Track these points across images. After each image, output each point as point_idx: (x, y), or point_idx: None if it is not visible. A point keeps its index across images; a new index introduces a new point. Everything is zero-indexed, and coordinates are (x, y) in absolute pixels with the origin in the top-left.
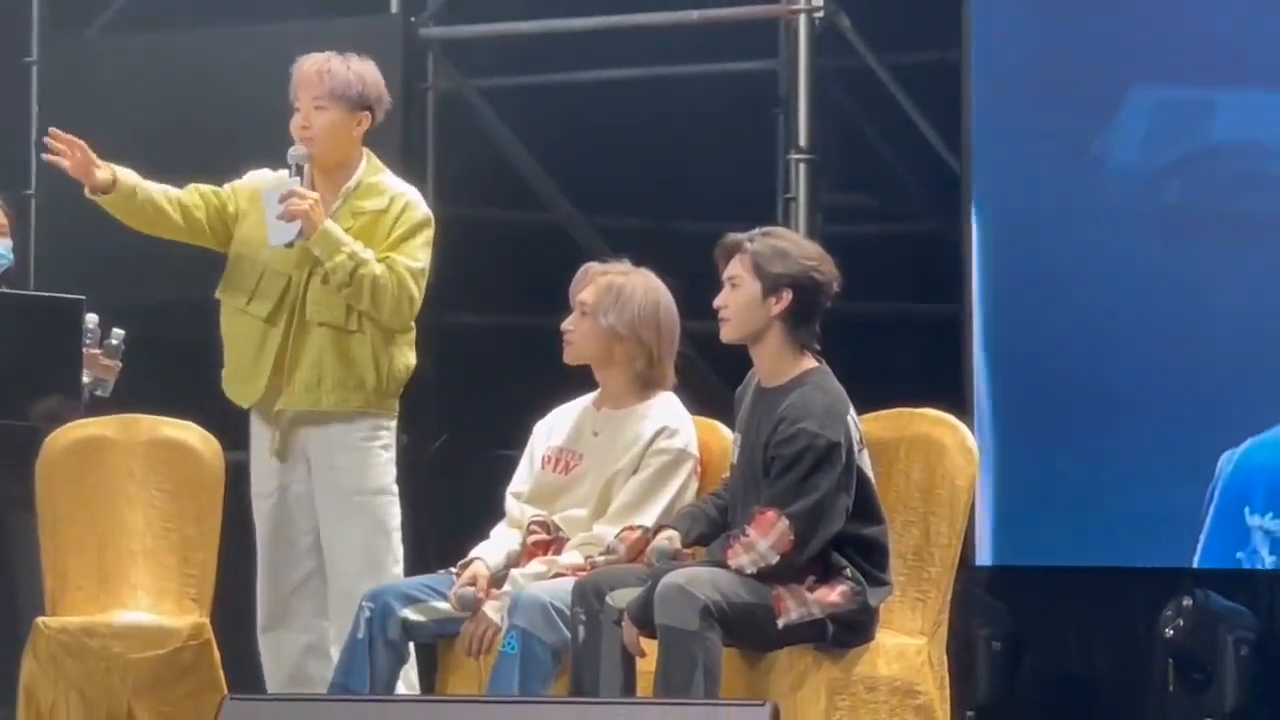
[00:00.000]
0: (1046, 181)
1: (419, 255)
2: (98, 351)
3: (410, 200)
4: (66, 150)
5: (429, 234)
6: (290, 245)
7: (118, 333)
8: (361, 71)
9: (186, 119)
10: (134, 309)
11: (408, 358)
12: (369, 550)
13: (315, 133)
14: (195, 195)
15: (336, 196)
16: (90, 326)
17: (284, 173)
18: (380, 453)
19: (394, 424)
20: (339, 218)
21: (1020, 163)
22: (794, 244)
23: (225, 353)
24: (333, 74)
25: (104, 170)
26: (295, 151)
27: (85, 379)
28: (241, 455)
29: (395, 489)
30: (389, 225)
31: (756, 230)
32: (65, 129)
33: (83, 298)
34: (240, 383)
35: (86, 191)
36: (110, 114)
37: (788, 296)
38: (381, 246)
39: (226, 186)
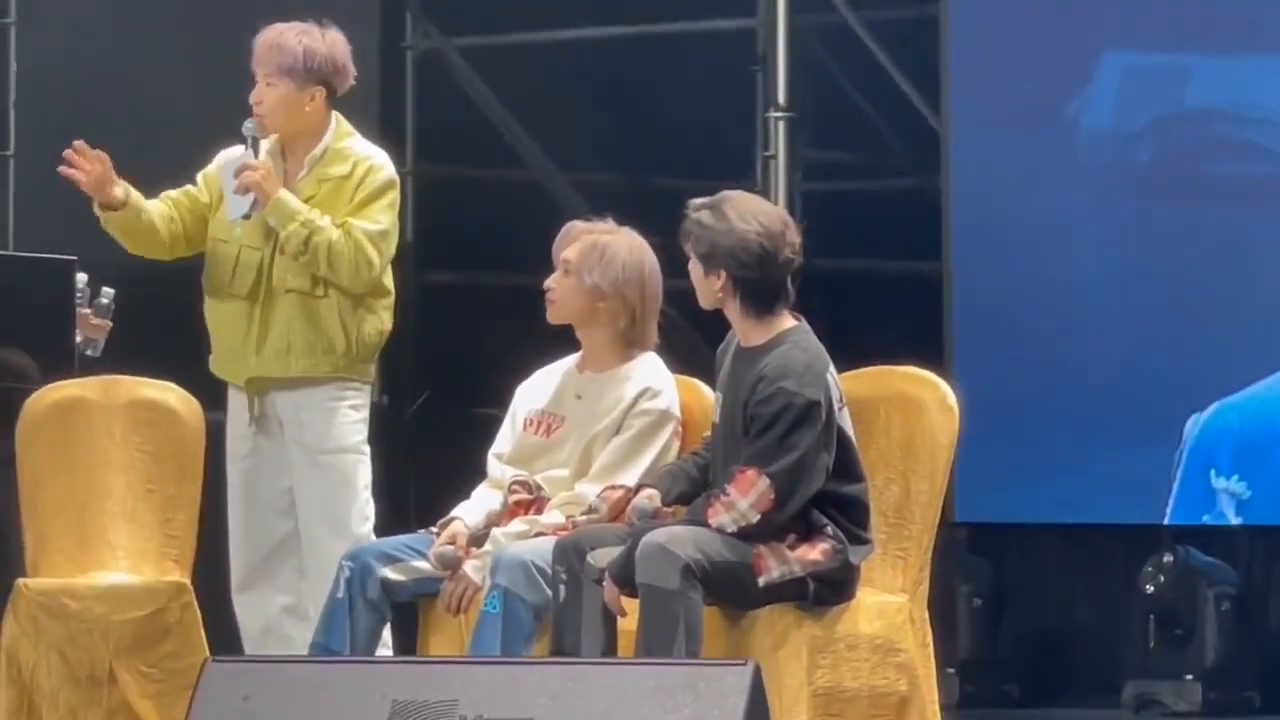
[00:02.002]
0: (1022, 141)
1: (380, 218)
2: (88, 311)
3: (375, 163)
4: (84, 164)
5: (393, 196)
6: (247, 217)
7: (107, 291)
8: (314, 46)
9: (165, 77)
10: (115, 268)
11: (381, 322)
12: (335, 509)
13: (265, 108)
14: (168, 206)
15: (302, 165)
16: (80, 286)
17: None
18: (348, 412)
19: (367, 388)
20: (304, 186)
21: (997, 122)
22: (737, 214)
23: (213, 338)
24: (282, 49)
25: (119, 187)
26: (248, 125)
27: (76, 338)
28: (223, 416)
29: (365, 449)
30: (352, 190)
31: (712, 198)
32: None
33: (75, 258)
34: (231, 362)
35: (95, 208)
36: (92, 73)
37: (724, 275)
38: (344, 211)
39: (199, 175)
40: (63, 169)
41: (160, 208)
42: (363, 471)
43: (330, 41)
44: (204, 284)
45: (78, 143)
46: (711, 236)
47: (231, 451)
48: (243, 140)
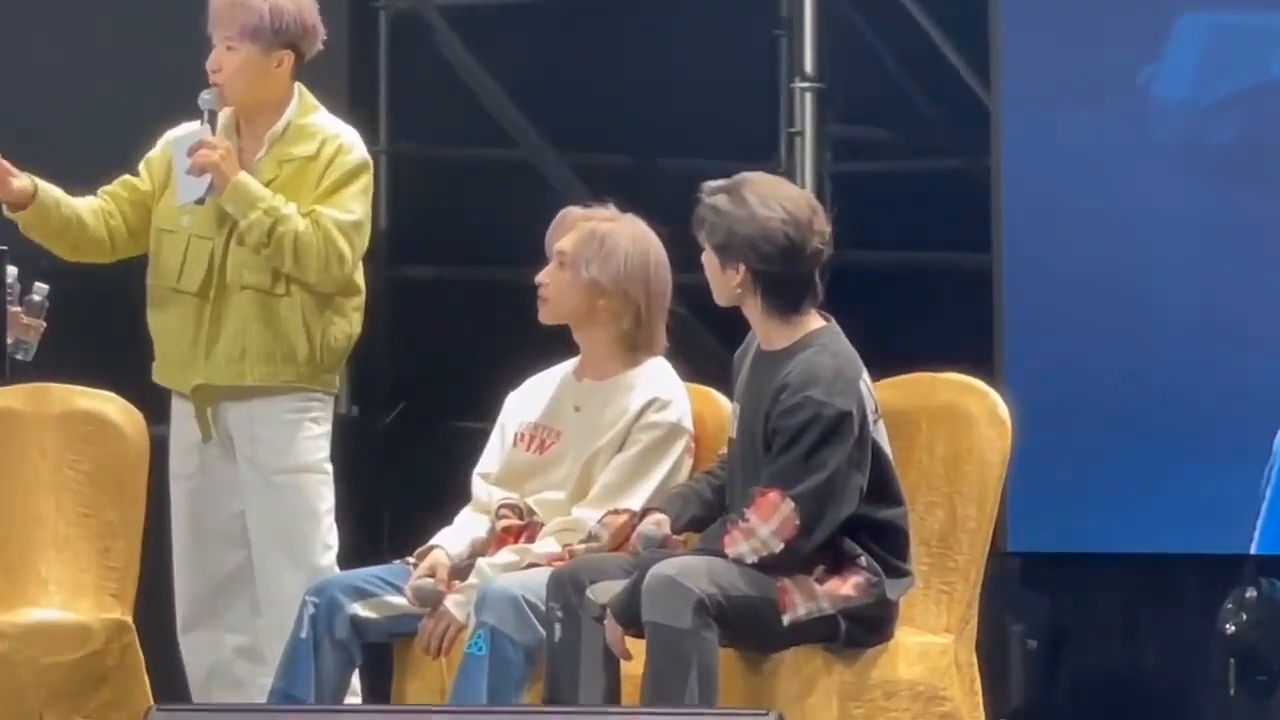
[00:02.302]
0: (1085, 117)
1: (352, 206)
2: (18, 309)
3: (344, 143)
4: None
5: (366, 181)
6: (201, 202)
7: (41, 288)
8: (280, 5)
9: (119, 59)
10: (49, 261)
11: (350, 325)
12: (293, 536)
13: (225, 76)
14: (105, 200)
15: (261, 144)
16: (10, 280)
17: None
18: (310, 426)
19: (330, 399)
20: (263, 167)
21: (1056, 95)
22: (758, 199)
23: (156, 342)
24: (246, 7)
25: (22, 179)
26: (206, 96)
27: (5, 340)
28: (167, 430)
29: (327, 468)
30: (319, 173)
31: (729, 180)
32: None
33: (4, 249)
34: (177, 368)
35: (4, 211)
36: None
37: (742, 269)
38: (310, 198)
39: (141, 163)
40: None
41: (94, 203)
42: (325, 493)
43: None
44: (148, 280)
45: None
46: (728, 224)
47: (175, 469)
48: (198, 115)
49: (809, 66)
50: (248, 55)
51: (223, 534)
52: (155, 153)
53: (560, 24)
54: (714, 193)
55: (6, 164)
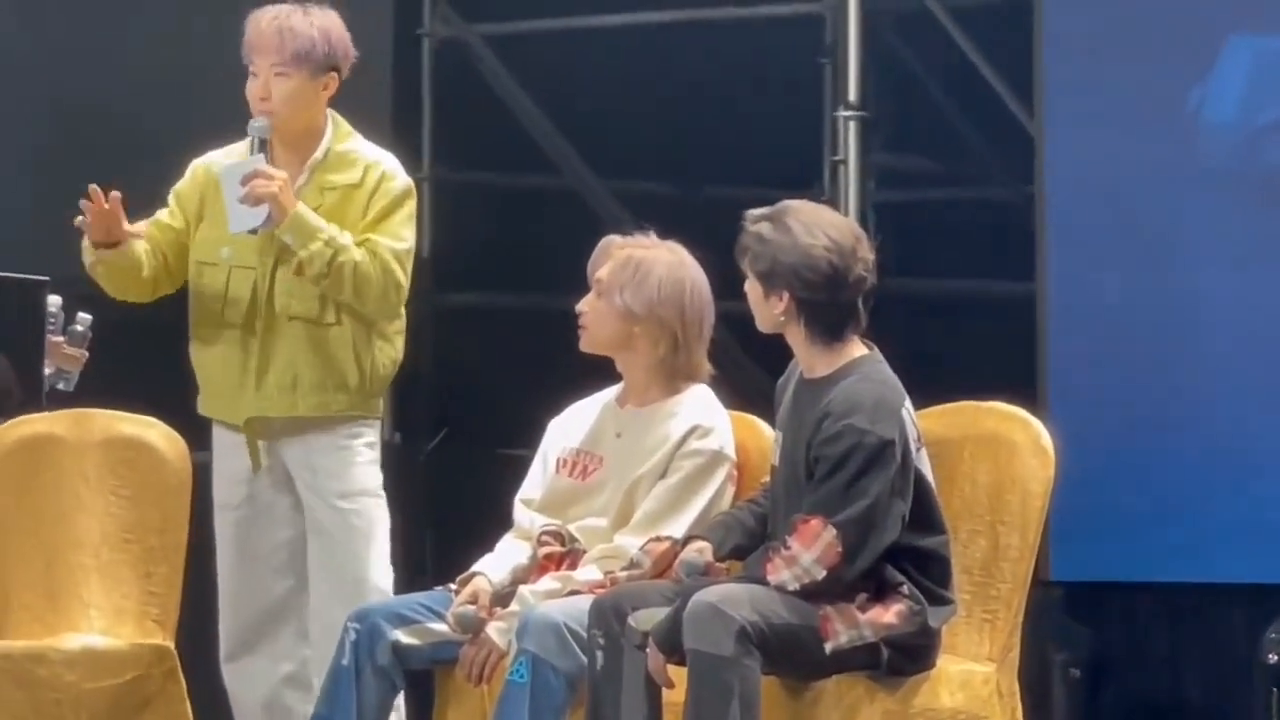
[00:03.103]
0: (1131, 142)
1: (403, 234)
2: (61, 339)
3: (387, 169)
4: (97, 206)
5: (411, 207)
6: (254, 233)
7: (84, 318)
8: (326, 26)
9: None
10: (94, 291)
11: (394, 351)
12: (352, 563)
13: (276, 104)
14: (145, 241)
15: (302, 170)
16: (53, 311)
17: (236, 146)
18: (364, 451)
19: (378, 425)
20: (306, 195)
21: (1101, 120)
22: (802, 227)
23: (201, 377)
24: (295, 34)
25: (126, 226)
26: (257, 124)
27: (46, 370)
28: (209, 456)
29: (382, 493)
30: (364, 200)
31: (772, 208)
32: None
33: (46, 279)
34: (226, 399)
35: (89, 245)
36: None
37: (786, 297)
38: (358, 226)
39: (171, 195)
40: (78, 219)
41: (144, 244)
42: (381, 518)
43: (333, 19)
44: (191, 314)
45: (93, 188)
46: (773, 252)
47: (221, 500)
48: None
49: (853, 95)
50: (299, 81)
51: (270, 563)
52: (185, 184)
53: (604, 51)
54: (757, 221)
55: (122, 213)
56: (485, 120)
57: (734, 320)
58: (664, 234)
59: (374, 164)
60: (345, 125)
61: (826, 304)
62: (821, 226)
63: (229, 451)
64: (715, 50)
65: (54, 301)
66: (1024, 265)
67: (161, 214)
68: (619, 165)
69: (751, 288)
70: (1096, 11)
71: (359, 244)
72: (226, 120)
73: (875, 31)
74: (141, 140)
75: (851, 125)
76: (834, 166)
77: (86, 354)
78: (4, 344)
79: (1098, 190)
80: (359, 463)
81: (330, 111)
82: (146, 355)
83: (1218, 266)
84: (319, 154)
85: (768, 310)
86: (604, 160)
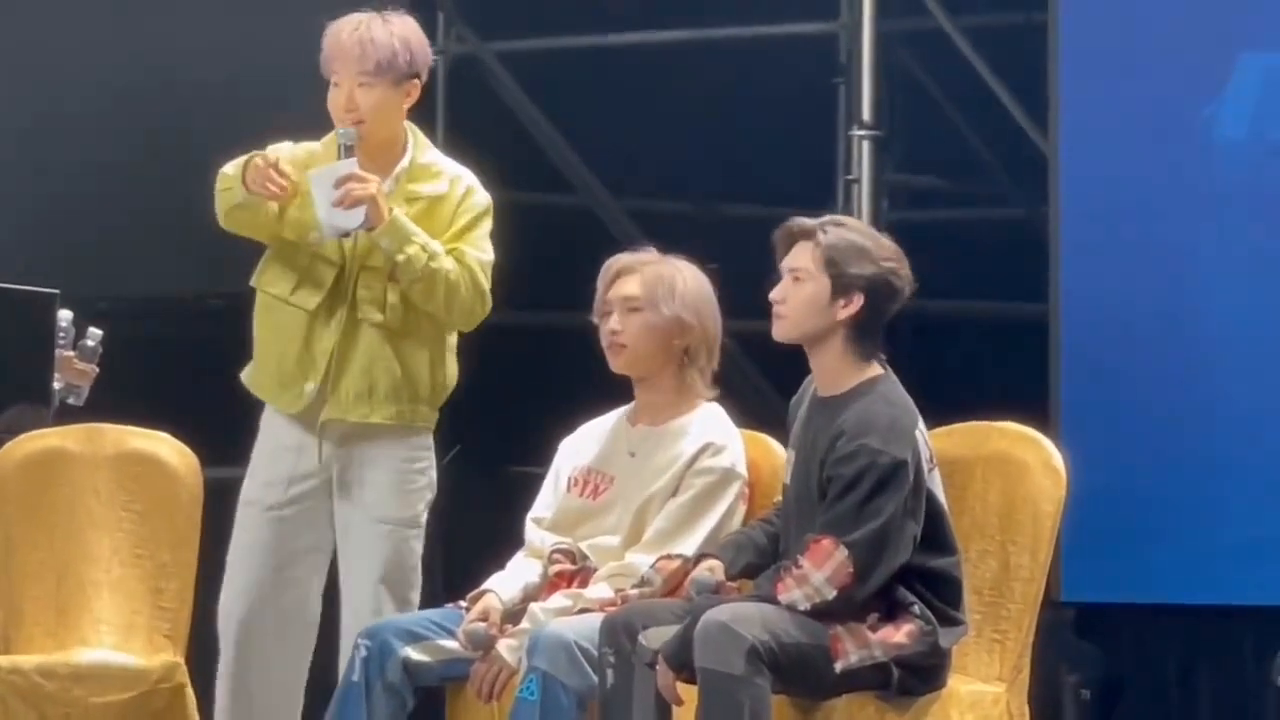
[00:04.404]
0: (1144, 161)
1: (486, 247)
2: (71, 354)
3: (470, 184)
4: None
5: (490, 222)
6: (347, 235)
7: (94, 333)
8: (405, 34)
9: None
10: (104, 303)
11: (455, 365)
12: (383, 583)
13: (364, 114)
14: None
15: (387, 179)
16: (63, 325)
17: (306, 144)
18: (416, 478)
19: (433, 445)
20: (392, 204)
21: (1114, 140)
22: (872, 240)
23: (257, 347)
24: (377, 44)
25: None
26: (346, 132)
27: (56, 384)
28: (222, 472)
29: (423, 521)
30: (449, 213)
31: (826, 218)
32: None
33: (56, 292)
34: (279, 385)
35: (239, 186)
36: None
37: (858, 301)
38: (443, 238)
39: (270, 153)
40: (263, 187)
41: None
42: (417, 548)
43: (412, 26)
44: (256, 282)
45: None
46: (856, 254)
47: (258, 494)
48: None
49: (867, 114)
50: (384, 90)
51: (293, 567)
52: (283, 152)
53: (618, 69)
54: (827, 228)
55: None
56: (499, 138)
57: (744, 336)
58: (678, 252)
59: (458, 177)
60: (423, 136)
61: (881, 316)
62: (882, 242)
63: (281, 453)
64: (729, 69)
65: (65, 316)
66: (1037, 285)
67: (280, 156)
68: (633, 183)
69: (807, 286)
70: (1111, 30)
71: (449, 253)
72: (244, 128)
73: (889, 50)
74: (152, 152)
75: (865, 144)
76: (847, 185)
77: (97, 369)
78: (14, 357)
79: (1111, 209)
80: (408, 489)
81: (407, 123)
82: (158, 370)
83: (1230, 285)
84: (405, 163)
85: (826, 312)
86: (617, 178)
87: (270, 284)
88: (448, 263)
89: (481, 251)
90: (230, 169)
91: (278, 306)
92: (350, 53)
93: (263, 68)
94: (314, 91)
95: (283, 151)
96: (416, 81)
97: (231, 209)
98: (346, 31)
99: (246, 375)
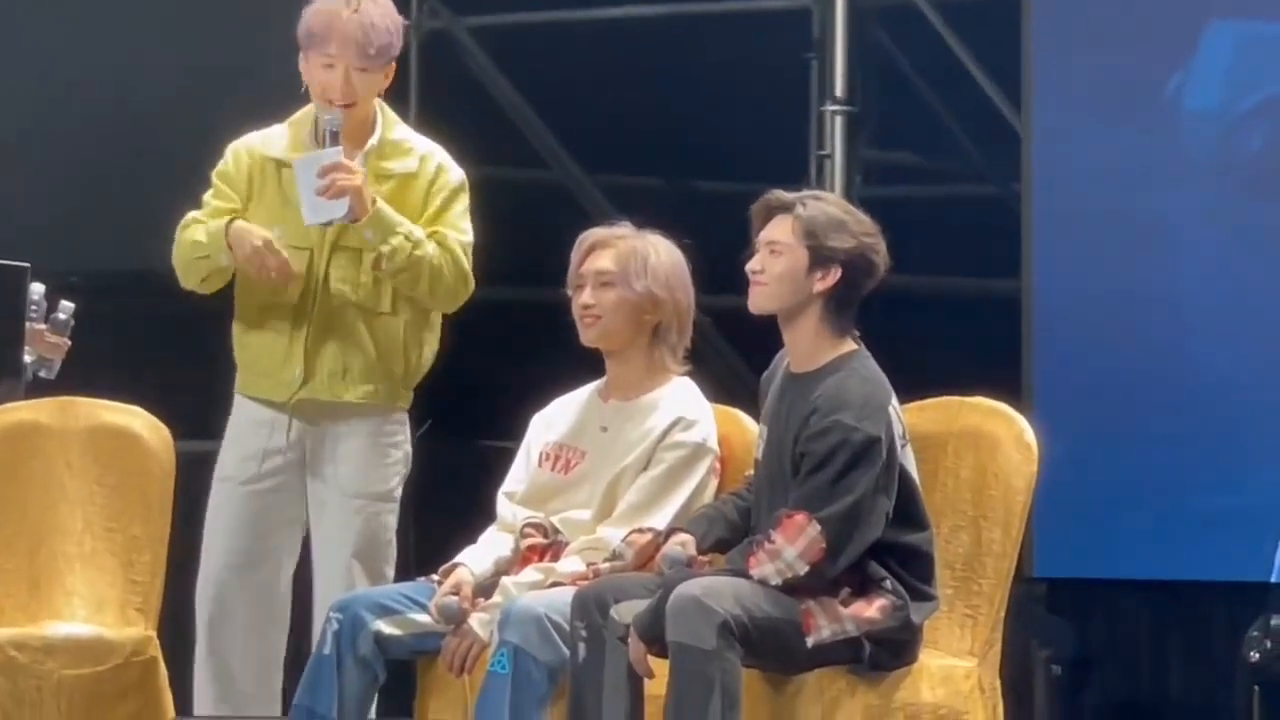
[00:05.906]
0: (1113, 131)
1: (464, 226)
2: (43, 327)
3: (442, 161)
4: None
5: (467, 199)
6: (329, 225)
7: (66, 306)
8: (394, 17)
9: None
10: (76, 278)
11: (436, 343)
12: (357, 558)
13: (359, 98)
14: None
15: (357, 155)
16: (35, 298)
17: (270, 130)
18: (391, 452)
19: (408, 423)
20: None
21: (1086, 114)
22: (850, 215)
23: (248, 358)
24: (377, 29)
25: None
26: (333, 118)
27: (27, 358)
28: (194, 445)
29: (397, 495)
30: (423, 191)
31: (805, 192)
32: None
33: (27, 265)
34: (272, 379)
35: (225, 250)
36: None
37: (836, 274)
38: (417, 217)
39: (215, 176)
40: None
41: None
42: (391, 523)
43: (390, 6)
44: (239, 296)
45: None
46: (835, 228)
47: (232, 473)
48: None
49: (839, 90)
50: (376, 75)
51: (266, 541)
52: (229, 167)
53: (591, 45)
54: (806, 202)
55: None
56: (471, 113)
57: (716, 311)
58: (651, 227)
59: (428, 154)
60: (391, 113)
61: (857, 291)
62: (860, 217)
63: (252, 429)
64: (702, 44)
65: (36, 289)
66: (1010, 261)
67: (213, 200)
68: (605, 159)
69: (784, 259)
70: (1083, 6)
71: (429, 236)
72: (212, 116)
73: (862, 26)
74: (124, 126)
75: (838, 120)
76: (820, 161)
77: (69, 341)
78: None
79: (1083, 186)
80: (383, 464)
81: (377, 99)
82: (131, 343)
83: (1203, 259)
84: (374, 141)
85: (804, 284)
86: (590, 154)
87: (250, 291)
88: (430, 249)
89: (461, 233)
90: (203, 236)
91: (261, 312)
92: (352, 36)
93: (222, 50)
94: (270, 75)
95: (250, 144)
96: (394, 67)
97: (210, 275)
98: (344, 18)
99: (242, 385)
